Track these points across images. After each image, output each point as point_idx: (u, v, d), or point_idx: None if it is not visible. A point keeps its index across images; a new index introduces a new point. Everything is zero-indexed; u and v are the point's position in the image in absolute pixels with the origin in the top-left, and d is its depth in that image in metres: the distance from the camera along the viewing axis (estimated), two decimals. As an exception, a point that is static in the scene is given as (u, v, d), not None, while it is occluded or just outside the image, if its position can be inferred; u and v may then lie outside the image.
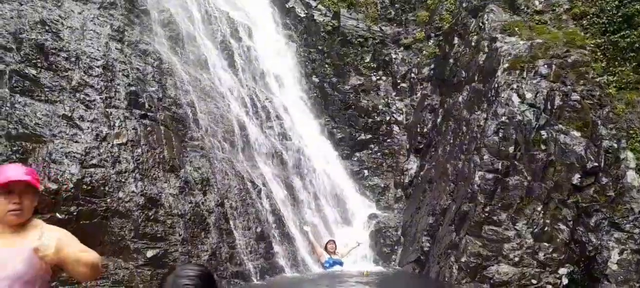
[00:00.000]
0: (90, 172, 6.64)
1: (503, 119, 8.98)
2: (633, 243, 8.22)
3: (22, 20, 7.04)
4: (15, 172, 2.54)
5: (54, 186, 6.17)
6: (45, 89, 6.84)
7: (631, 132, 8.96)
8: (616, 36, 9.86)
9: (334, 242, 10.08)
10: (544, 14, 10.79)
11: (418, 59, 13.23)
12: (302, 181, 10.98)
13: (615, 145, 8.84)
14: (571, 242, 8.27)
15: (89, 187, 6.53)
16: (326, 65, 13.34)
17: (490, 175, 8.64)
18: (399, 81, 13.27)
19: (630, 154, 8.79)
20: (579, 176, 8.57)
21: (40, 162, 6.28)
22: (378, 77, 13.36)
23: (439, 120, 11.62)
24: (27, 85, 6.68)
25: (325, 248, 9.96)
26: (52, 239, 2.46)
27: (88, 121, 7.03)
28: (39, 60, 6.96)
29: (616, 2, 10.11)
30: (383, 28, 13.72)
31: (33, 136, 6.37)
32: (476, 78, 10.42)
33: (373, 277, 9.29)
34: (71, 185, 6.35)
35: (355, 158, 12.58)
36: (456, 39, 11.89)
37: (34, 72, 6.82)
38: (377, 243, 10.86)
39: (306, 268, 9.61)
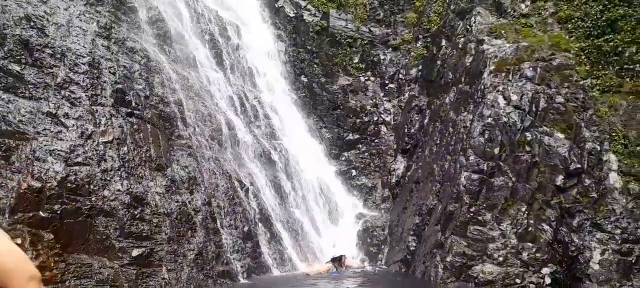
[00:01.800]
0: (75, 170, 6.58)
1: (489, 120, 9.09)
2: (614, 243, 8.37)
3: (6, 16, 6.95)
4: None
5: (37, 184, 6.10)
6: (30, 86, 6.76)
7: (614, 134, 9.13)
8: (600, 40, 10.02)
9: (345, 256, 10.05)
10: (530, 17, 10.93)
11: (406, 60, 13.32)
12: (290, 180, 10.98)
13: (598, 147, 8.99)
14: (554, 242, 8.40)
15: (74, 185, 6.47)
16: (315, 65, 13.37)
17: (475, 176, 8.74)
18: (387, 82, 13.35)
19: (612, 156, 8.95)
20: (563, 177, 8.70)
21: (23, 159, 6.21)
22: (366, 78, 13.42)
23: (426, 121, 11.70)
24: (11, 81, 6.59)
25: (340, 261, 9.88)
26: None
27: (73, 118, 6.96)
28: (23, 57, 6.87)
29: (600, 7, 10.28)
30: (372, 29, 13.79)
31: (16, 133, 6.30)
32: (463, 80, 10.53)
33: (359, 276, 9.33)
34: (55, 183, 6.28)
35: (343, 158, 12.62)
36: (444, 40, 12.00)
37: (18, 68, 6.74)
38: (364, 242, 10.91)
39: (293, 267, 9.63)
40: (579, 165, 8.79)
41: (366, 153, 12.65)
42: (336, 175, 12.38)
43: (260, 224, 9.39)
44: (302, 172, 11.42)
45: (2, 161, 6.03)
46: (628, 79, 9.69)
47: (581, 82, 9.64)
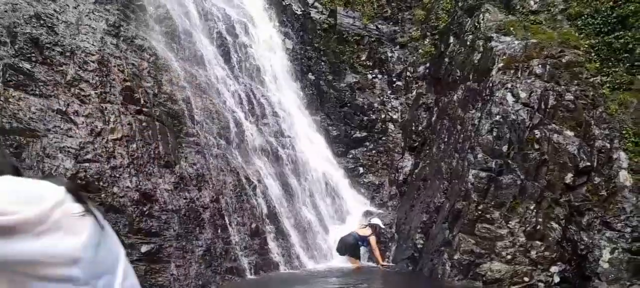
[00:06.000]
0: (85, 167, 6.64)
1: (497, 118, 9.04)
2: (624, 242, 8.31)
3: (17, 14, 7.02)
4: None
5: (48, 180, 6.15)
6: (40, 83, 6.82)
7: (624, 132, 9.05)
8: (610, 37, 9.92)
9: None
10: (539, 14, 10.84)
11: (414, 58, 13.26)
12: (298, 178, 11.00)
13: (608, 145, 8.92)
14: (563, 240, 8.34)
15: (83, 182, 6.53)
16: (322, 63, 13.35)
17: (483, 174, 8.70)
18: (394, 79, 13.30)
19: (622, 154, 8.88)
20: (572, 175, 8.64)
21: (34, 156, 6.27)
22: (374, 75, 13.38)
23: (433, 118, 11.66)
24: (21, 79, 6.66)
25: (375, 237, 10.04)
26: None
27: (83, 116, 7.02)
28: (33, 55, 6.94)
29: (611, 3, 10.17)
30: (379, 26, 13.74)
31: (27, 130, 6.36)
32: (471, 77, 10.47)
33: (366, 273, 9.33)
34: (65, 180, 6.34)
35: (351, 156, 12.60)
36: (452, 38, 11.93)
37: (28, 66, 6.81)
38: (372, 240, 10.88)
39: (301, 265, 9.65)
40: (588, 163, 8.72)
41: (373, 151, 12.63)
42: (343, 172, 12.36)
43: (267, 221, 9.41)
44: (309, 169, 11.42)
45: (14, 158, 6.10)
46: (639, 76, 9.59)
47: (591, 80, 9.56)
